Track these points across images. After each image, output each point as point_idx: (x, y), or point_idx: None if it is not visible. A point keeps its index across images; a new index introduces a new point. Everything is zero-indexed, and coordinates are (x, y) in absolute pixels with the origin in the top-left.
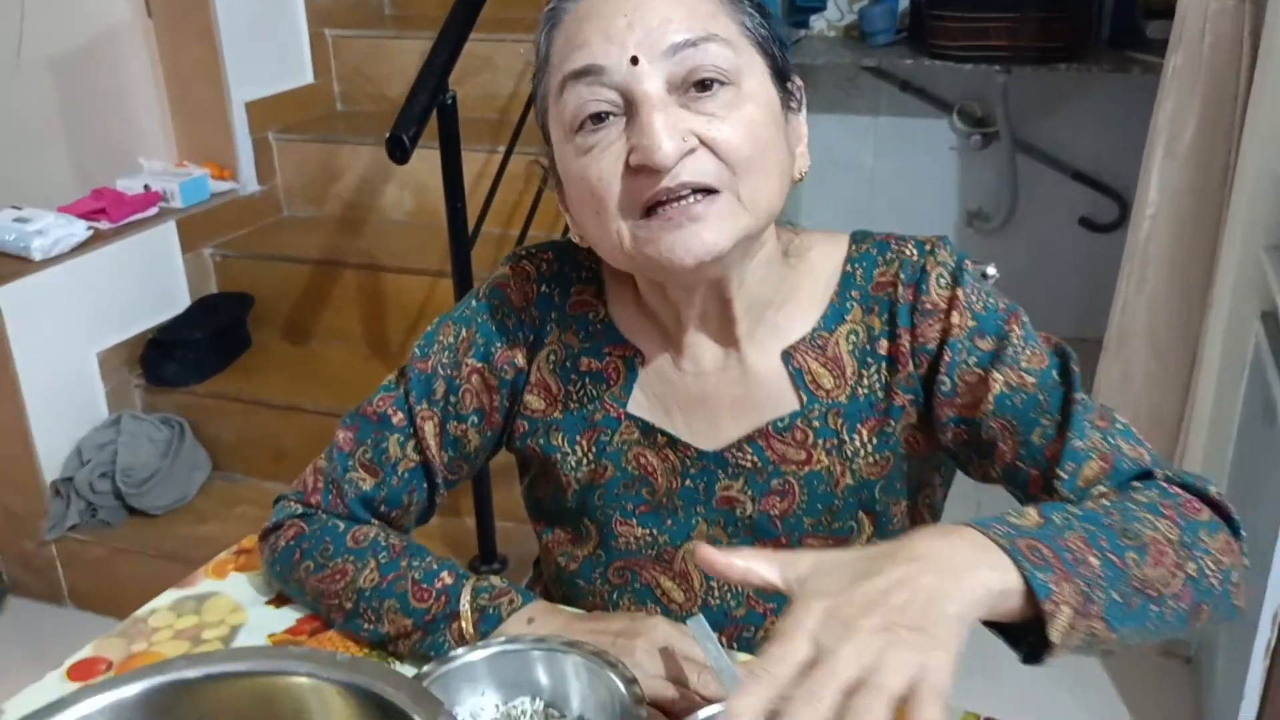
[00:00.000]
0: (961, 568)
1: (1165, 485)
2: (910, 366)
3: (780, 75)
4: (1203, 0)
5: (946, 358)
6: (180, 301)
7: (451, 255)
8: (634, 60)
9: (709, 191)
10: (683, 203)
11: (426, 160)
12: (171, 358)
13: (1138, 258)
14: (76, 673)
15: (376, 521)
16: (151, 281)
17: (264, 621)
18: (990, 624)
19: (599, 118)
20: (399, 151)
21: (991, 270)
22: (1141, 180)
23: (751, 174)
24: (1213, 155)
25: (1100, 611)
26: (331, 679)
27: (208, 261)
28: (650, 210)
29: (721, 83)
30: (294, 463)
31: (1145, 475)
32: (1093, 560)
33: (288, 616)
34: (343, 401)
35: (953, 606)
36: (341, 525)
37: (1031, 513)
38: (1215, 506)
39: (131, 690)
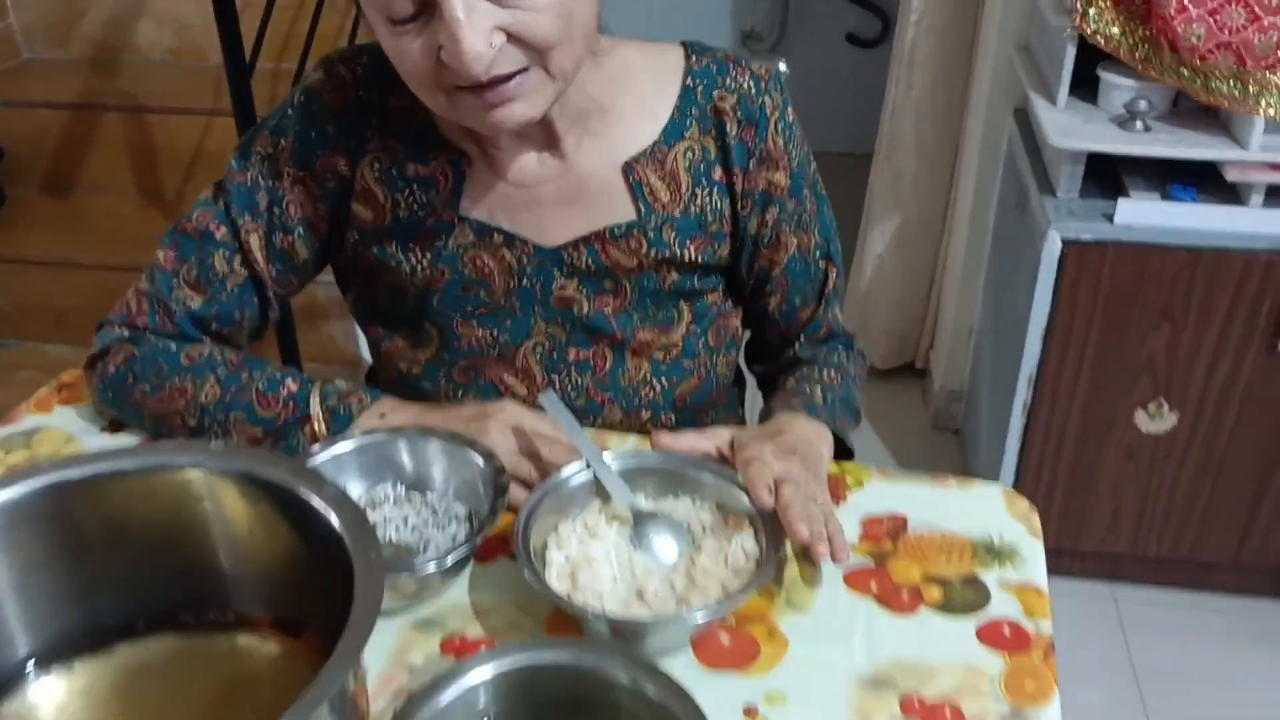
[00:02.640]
0: (822, 441)
1: (853, 349)
2: (740, 207)
3: None
4: None
5: (771, 216)
6: None
7: (231, 90)
8: None
9: (520, 69)
10: (494, 86)
11: None
12: None
13: (904, 64)
14: None
15: (209, 340)
16: None
17: (102, 449)
18: None
19: (404, 19)
20: None
21: (783, 67)
22: None
23: (559, 49)
24: None
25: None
26: (214, 467)
27: None
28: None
29: None
30: (77, 323)
31: (839, 336)
32: (843, 412)
33: (128, 442)
34: (122, 254)
35: (824, 464)
36: (174, 345)
37: (816, 391)
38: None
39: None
